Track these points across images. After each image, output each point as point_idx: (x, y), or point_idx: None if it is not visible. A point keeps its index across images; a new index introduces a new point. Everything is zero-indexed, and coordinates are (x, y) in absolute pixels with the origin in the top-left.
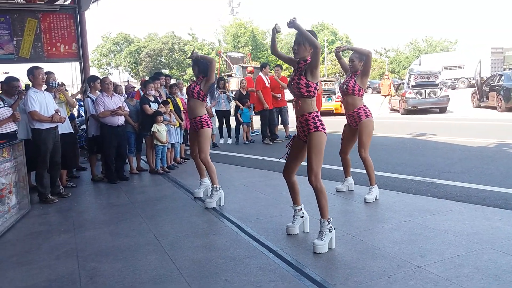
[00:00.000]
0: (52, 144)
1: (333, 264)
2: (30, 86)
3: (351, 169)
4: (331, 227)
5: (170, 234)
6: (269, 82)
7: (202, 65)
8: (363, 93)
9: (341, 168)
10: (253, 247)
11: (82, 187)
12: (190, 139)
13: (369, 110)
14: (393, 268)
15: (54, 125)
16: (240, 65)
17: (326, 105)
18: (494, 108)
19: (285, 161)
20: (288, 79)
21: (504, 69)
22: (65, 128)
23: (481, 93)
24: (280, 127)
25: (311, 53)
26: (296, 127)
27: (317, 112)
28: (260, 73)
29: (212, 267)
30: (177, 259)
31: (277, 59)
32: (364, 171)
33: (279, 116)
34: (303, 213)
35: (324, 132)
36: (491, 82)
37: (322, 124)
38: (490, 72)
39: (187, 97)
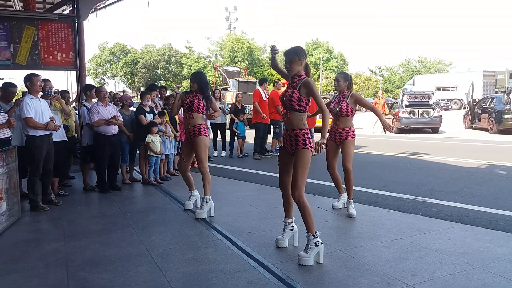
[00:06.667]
0: (46, 152)
1: (324, 280)
2: (26, 92)
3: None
4: (317, 241)
5: (161, 246)
6: (267, 96)
7: (200, 83)
8: (354, 113)
9: (331, 184)
10: (244, 261)
11: (73, 196)
12: (184, 153)
13: (355, 132)
14: (383, 286)
15: (48, 132)
16: (236, 79)
17: (319, 121)
18: (486, 130)
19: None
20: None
21: (496, 92)
22: (59, 135)
23: (473, 114)
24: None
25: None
26: (284, 138)
27: (307, 129)
28: (259, 87)
29: (202, 280)
30: (168, 271)
31: (274, 74)
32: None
33: (271, 130)
34: (292, 226)
35: (311, 150)
36: (483, 104)
37: (310, 142)
38: (482, 94)
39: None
